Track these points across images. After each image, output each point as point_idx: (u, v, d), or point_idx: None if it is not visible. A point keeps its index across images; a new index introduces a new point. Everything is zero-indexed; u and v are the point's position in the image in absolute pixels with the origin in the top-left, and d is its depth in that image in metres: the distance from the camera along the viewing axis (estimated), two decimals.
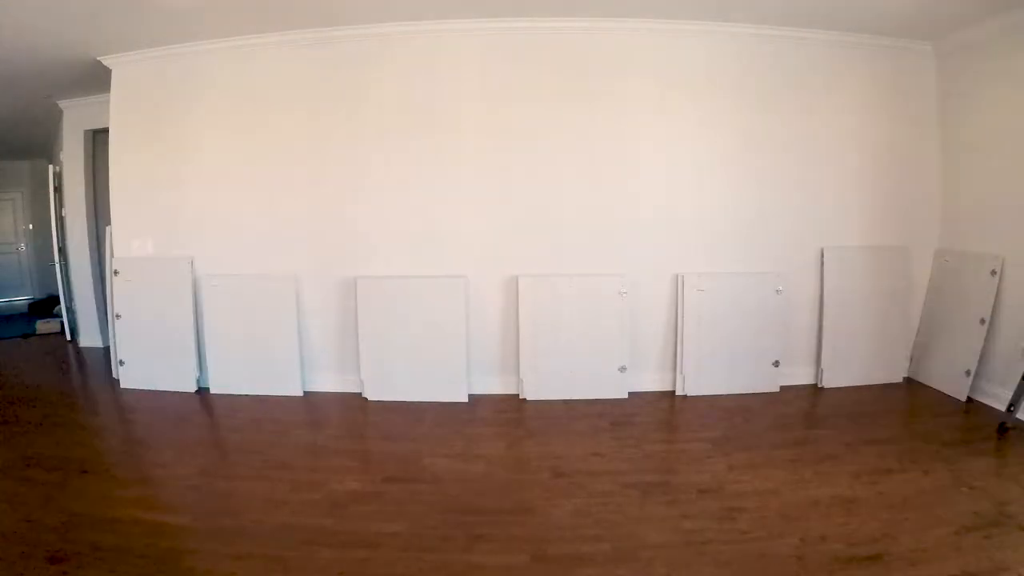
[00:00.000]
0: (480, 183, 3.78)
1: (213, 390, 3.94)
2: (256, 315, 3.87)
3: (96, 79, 4.11)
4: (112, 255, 4.15)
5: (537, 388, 3.76)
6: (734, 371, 3.81)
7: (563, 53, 3.69)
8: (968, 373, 3.53)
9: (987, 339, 3.49)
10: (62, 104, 5.11)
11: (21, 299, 7.98)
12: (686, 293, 3.78)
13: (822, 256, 3.88)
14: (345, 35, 3.69)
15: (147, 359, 4.03)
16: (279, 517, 2.39)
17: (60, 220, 5.56)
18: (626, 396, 3.75)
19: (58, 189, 5.49)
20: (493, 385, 3.86)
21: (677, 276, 3.80)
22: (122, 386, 4.10)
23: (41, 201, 6.83)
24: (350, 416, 3.61)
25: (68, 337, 5.75)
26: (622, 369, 3.74)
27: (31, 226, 8.20)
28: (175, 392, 3.96)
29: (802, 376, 3.96)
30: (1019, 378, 3.10)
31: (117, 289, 4.06)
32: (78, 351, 5.43)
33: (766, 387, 3.82)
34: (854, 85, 3.83)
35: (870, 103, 3.86)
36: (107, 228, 4.24)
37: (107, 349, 4.90)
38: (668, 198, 3.81)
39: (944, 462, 2.75)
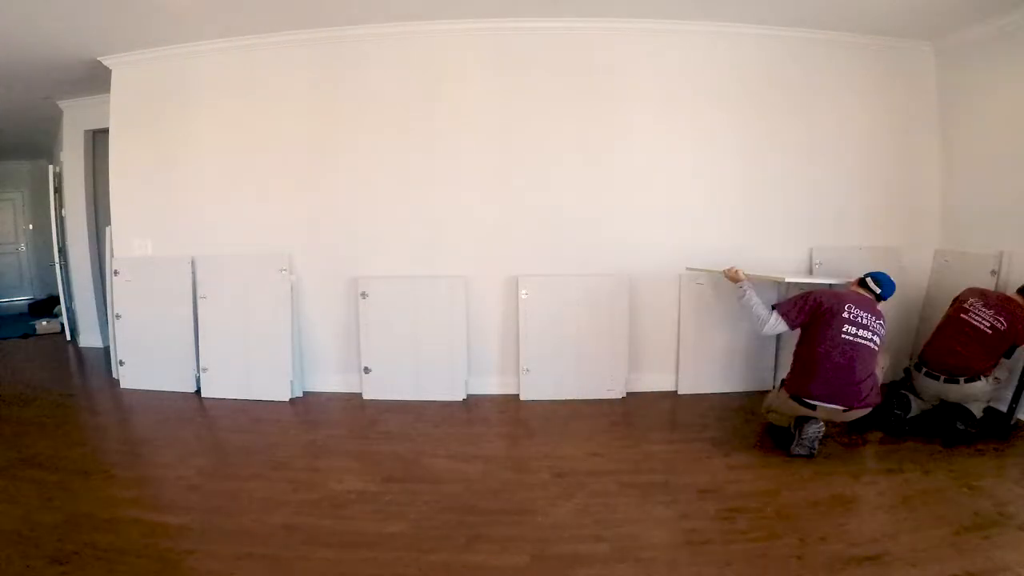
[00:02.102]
0: (480, 183, 3.78)
1: (212, 390, 3.93)
2: (255, 315, 3.87)
3: (96, 79, 4.11)
4: (112, 255, 4.15)
5: (536, 388, 3.76)
6: (734, 370, 3.82)
7: (564, 54, 3.69)
8: None
9: None
10: (62, 104, 5.11)
11: (21, 299, 7.98)
12: (684, 292, 3.78)
13: (811, 256, 3.88)
14: (345, 35, 3.69)
15: (147, 359, 4.03)
16: (279, 517, 2.38)
17: (60, 220, 5.56)
18: (626, 396, 3.76)
19: (58, 189, 5.49)
20: (493, 385, 3.87)
21: (679, 275, 3.80)
22: (122, 386, 4.10)
23: (41, 201, 6.83)
24: (350, 416, 3.61)
25: (68, 337, 5.75)
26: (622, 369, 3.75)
27: (31, 226, 8.19)
28: (175, 392, 3.96)
29: None
30: (1018, 378, 3.11)
31: (117, 289, 4.06)
32: (78, 351, 5.43)
33: (766, 386, 3.82)
34: (854, 85, 3.83)
35: (870, 103, 3.85)
36: (107, 228, 4.24)
37: (107, 349, 4.89)
38: (668, 198, 3.81)
39: (944, 462, 2.76)
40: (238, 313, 3.89)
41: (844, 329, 2.81)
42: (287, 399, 3.83)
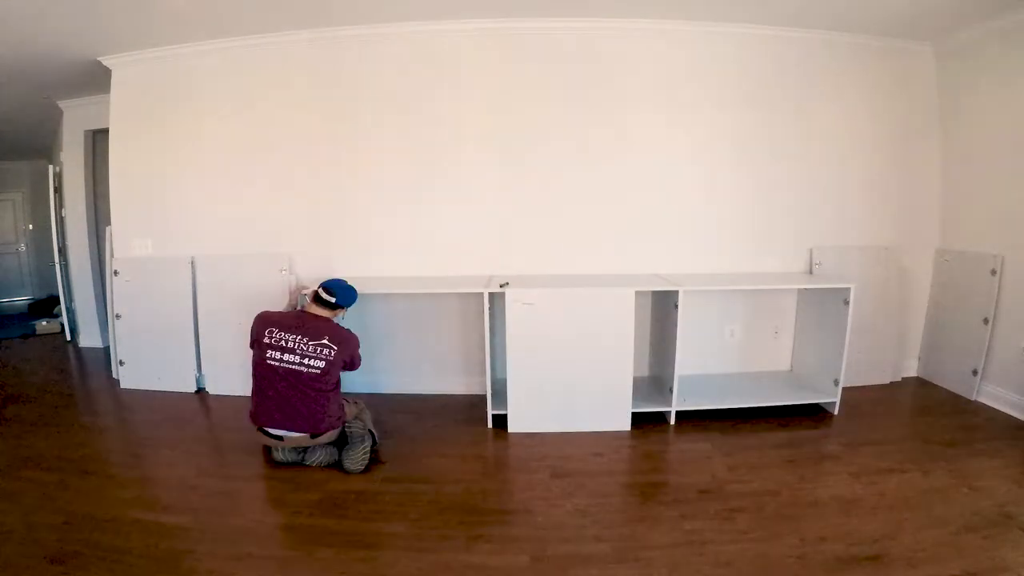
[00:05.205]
0: (478, 183, 3.78)
1: (212, 391, 3.93)
2: (254, 315, 3.85)
3: (96, 79, 4.11)
4: (112, 255, 4.15)
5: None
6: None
7: (564, 54, 3.68)
8: (975, 372, 3.54)
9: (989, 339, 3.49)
10: (62, 104, 5.11)
11: (21, 299, 7.99)
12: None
13: (811, 256, 3.88)
14: (345, 35, 3.69)
15: (147, 359, 4.03)
16: (279, 517, 2.39)
17: (60, 220, 5.56)
18: None
19: (58, 189, 5.48)
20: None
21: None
22: (122, 386, 4.10)
23: (41, 201, 6.83)
24: None
25: (68, 337, 5.75)
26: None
27: (31, 226, 8.19)
28: (175, 392, 3.96)
29: None
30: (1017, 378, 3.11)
31: (117, 289, 4.06)
32: (78, 351, 5.43)
33: None
34: (854, 85, 3.83)
35: (870, 103, 3.85)
36: (107, 228, 4.24)
37: (107, 349, 4.90)
38: (668, 199, 3.81)
39: (944, 462, 2.76)
40: (236, 313, 3.85)
41: (267, 355, 2.71)
42: None
